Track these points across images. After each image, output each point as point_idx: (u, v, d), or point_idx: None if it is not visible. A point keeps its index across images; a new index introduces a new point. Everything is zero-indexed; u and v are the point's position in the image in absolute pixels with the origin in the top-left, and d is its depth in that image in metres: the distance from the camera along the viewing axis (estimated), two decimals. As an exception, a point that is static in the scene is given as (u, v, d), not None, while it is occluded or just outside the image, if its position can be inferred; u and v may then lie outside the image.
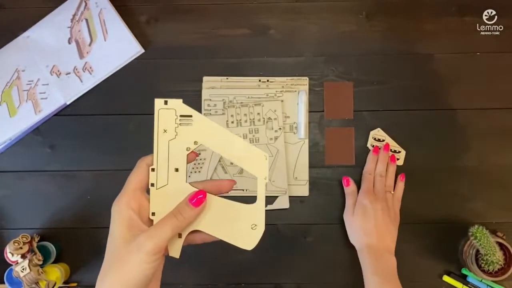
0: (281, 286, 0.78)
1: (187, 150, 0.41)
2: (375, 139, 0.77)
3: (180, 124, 0.41)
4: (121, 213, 0.39)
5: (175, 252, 0.41)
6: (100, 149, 0.79)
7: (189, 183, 0.41)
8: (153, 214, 0.41)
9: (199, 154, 0.73)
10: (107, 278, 0.38)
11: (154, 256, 0.38)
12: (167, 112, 0.41)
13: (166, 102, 0.41)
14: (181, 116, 0.41)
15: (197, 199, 0.40)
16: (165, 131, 0.41)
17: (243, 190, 0.77)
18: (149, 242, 0.37)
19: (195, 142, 0.41)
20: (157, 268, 0.39)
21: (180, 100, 0.41)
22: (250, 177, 0.77)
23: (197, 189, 0.41)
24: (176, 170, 0.41)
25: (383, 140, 0.77)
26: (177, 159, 0.41)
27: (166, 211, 0.40)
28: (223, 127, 0.41)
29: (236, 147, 0.41)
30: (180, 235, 0.41)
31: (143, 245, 0.37)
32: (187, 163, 0.42)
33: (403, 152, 0.77)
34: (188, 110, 0.41)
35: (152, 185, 0.41)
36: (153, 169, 0.41)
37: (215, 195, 0.42)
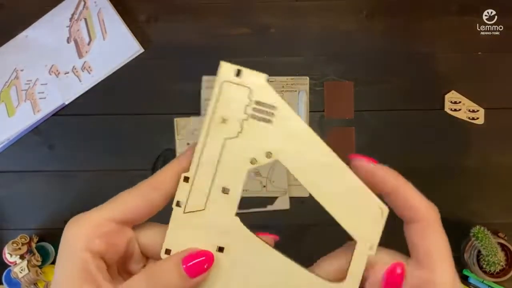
0: (281, 287, 0.78)
1: (251, 163, 0.24)
2: (451, 101, 0.75)
3: (252, 115, 0.24)
4: (76, 251, 0.24)
5: None
6: (99, 149, 0.79)
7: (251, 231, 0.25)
8: (168, 252, 0.25)
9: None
10: None
11: None
12: (237, 89, 0.25)
13: (239, 72, 0.25)
14: (258, 103, 0.24)
15: (196, 263, 0.24)
16: (223, 121, 0.24)
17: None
18: None
19: (268, 154, 0.24)
20: None
21: (264, 76, 0.24)
22: (250, 177, 0.77)
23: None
24: (225, 191, 0.25)
25: (460, 102, 0.76)
26: (231, 172, 0.24)
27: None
28: (324, 141, 0.24)
29: (337, 182, 0.24)
30: None
31: None
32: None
33: (482, 110, 0.77)
34: (273, 96, 0.24)
35: (179, 204, 0.24)
36: (186, 178, 0.24)
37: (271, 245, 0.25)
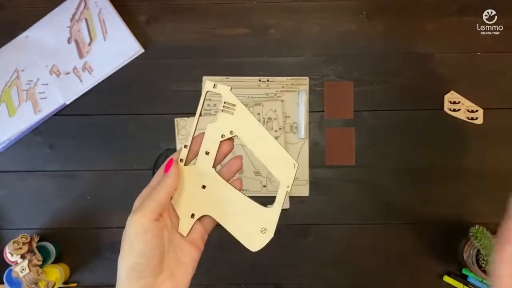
0: (281, 286, 0.78)
1: (221, 137, 0.42)
2: (450, 102, 0.75)
3: (222, 110, 0.42)
4: (144, 224, 0.38)
5: (183, 229, 0.42)
6: (99, 149, 0.79)
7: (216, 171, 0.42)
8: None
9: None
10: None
11: (145, 223, 0.38)
12: (213, 95, 0.42)
13: (215, 86, 0.42)
14: (225, 102, 0.42)
15: (166, 166, 0.41)
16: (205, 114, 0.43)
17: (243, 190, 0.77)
18: (139, 212, 0.38)
19: (231, 132, 0.42)
20: (158, 238, 0.39)
21: (229, 88, 0.41)
22: (250, 177, 0.77)
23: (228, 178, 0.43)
24: (207, 153, 0.42)
25: (459, 102, 0.76)
26: (210, 142, 0.42)
27: (188, 188, 0.42)
28: (261, 125, 0.42)
29: (269, 147, 0.42)
30: (192, 215, 0.42)
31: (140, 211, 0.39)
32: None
33: (481, 111, 0.77)
34: (234, 99, 0.42)
35: (181, 160, 0.42)
36: (186, 146, 0.42)
37: (239, 190, 0.43)
